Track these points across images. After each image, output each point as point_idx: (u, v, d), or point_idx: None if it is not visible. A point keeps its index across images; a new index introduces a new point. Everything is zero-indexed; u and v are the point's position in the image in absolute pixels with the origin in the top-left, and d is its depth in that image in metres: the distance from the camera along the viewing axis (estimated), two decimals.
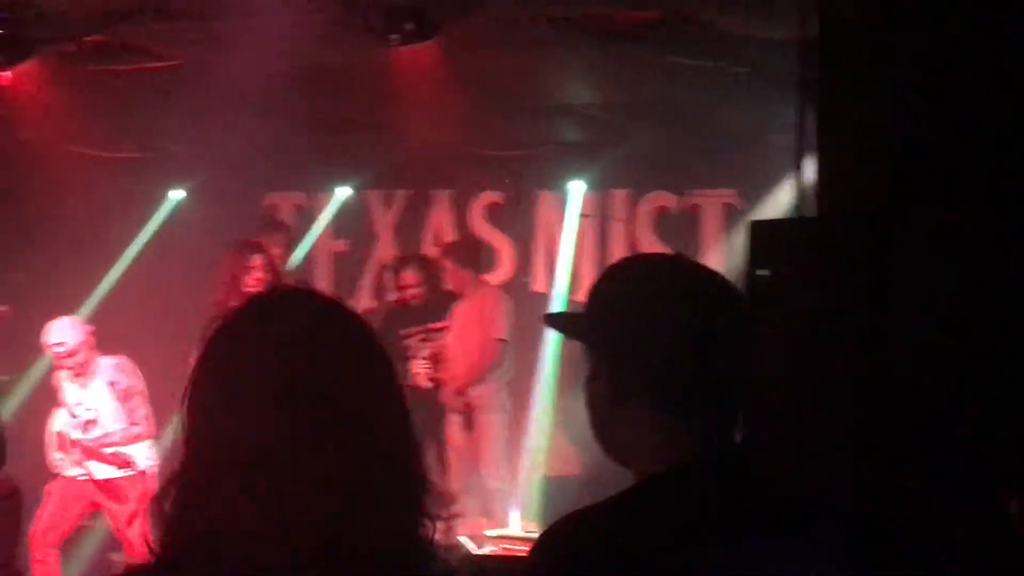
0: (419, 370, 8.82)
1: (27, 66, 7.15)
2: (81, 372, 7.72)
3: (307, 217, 10.50)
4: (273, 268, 7.73)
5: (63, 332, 7.65)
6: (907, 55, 5.39)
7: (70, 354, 7.65)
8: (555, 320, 2.26)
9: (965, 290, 4.86)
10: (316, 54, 7.15)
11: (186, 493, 1.62)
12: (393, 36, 6.39)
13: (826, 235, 5.48)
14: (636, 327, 1.99)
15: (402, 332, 8.91)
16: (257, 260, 7.62)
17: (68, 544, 7.87)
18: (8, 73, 7.12)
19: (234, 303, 6.80)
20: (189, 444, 1.65)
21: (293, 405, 1.62)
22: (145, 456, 7.79)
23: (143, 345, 8.24)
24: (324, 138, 9.41)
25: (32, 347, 8.08)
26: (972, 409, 3.29)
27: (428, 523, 1.69)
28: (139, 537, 7.44)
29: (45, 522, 7.65)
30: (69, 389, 7.81)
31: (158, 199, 10.34)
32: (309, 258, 10.49)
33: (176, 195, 10.38)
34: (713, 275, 2.09)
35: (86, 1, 6.60)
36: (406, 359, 8.84)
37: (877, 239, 5.47)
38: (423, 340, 8.91)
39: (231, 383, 1.65)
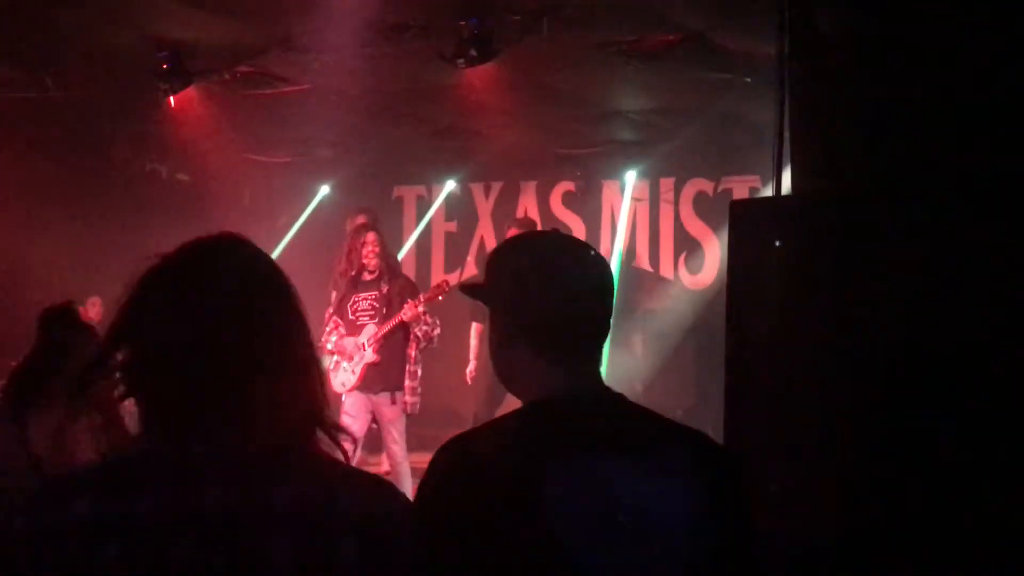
0: None
1: (187, 92, 7.53)
2: None
3: (425, 205, 10.98)
4: (383, 244, 7.86)
5: None
6: (867, 62, 5.62)
7: None
8: (463, 287, 2.14)
9: (919, 271, 4.89)
10: (411, 76, 7.44)
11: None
12: (460, 61, 6.54)
13: (792, 213, 5.74)
14: (516, 287, 1.97)
15: None
16: (370, 236, 7.64)
17: None
18: (171, 98, 7.52)
19: (353, 272, 7.13)
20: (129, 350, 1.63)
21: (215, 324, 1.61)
22: None
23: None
24: (433, 141, 9.66)
25: None
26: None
27: (317, 435, 1.66)
28: None
29: None
30: None
31: (309, 193, 10.86)
32: (426, 236, 10.96)
33: (323, 190, 10.95)
34: (584, 246, 2.06)
35: (229, 39, 6.95)
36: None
37: (837, 216, 5.67)
38: None
39: (169, 308, 1.63)
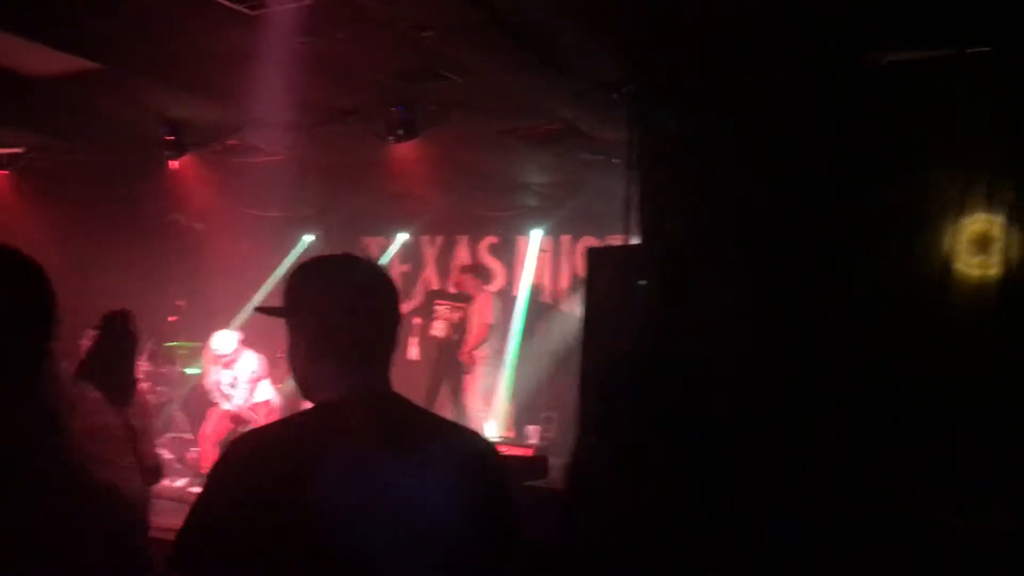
0: (439, 327, 8.92)
1: (185, 159, 7.38)
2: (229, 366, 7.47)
3: (384, 250, 10.79)
4: None
5: (226, 343, 7.42)
6: (697, 149, 5.53)
7: (229, 362, 7.44)
8: (263, 309, 1.89)
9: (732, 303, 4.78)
10: (356, 149, 7.26)
11: None
12: (390, 138, 6.45)
13: (634, 257, 5.61)
14: (310, 311, 1.77)
15: (436, 302, 9.10)
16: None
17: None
18: (175, 163, 7.34)
19: None
20: None
21: None
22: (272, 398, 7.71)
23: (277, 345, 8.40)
24: (387, 203, 9.43)
25: (199, 329, 8.31)
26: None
27: None
28: None
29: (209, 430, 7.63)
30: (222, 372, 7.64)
31: (295, 241, 10.58)
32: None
33: (307, 238, 10.76)
34: (372, 267, 1.84)
35: (215, 117, 6.81)
36: (432, 319, 8.95)
37: (663, 258, 5.55)
38: (448, 310, 8.97)
39: None
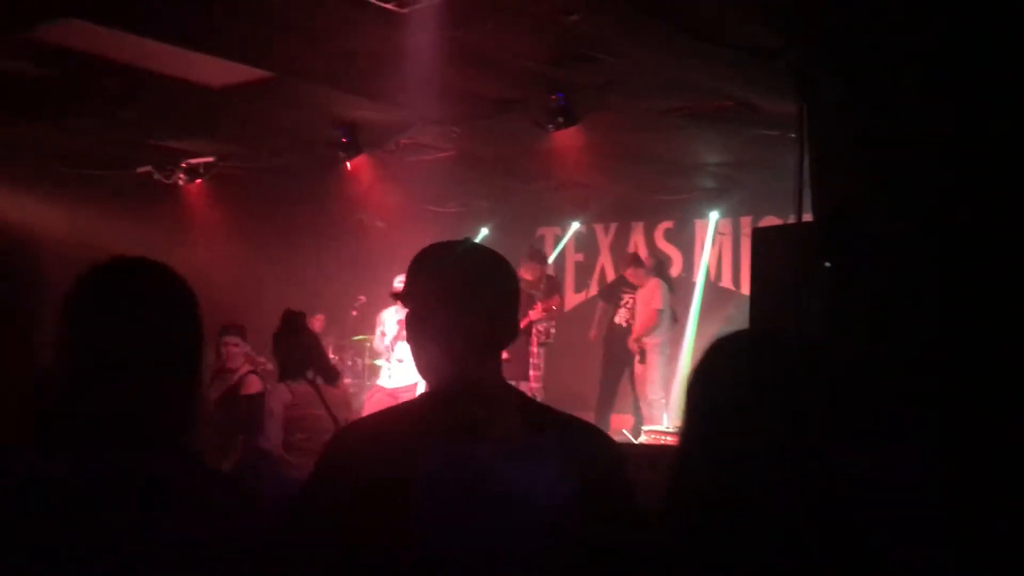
0: (621, 315, 8.80)
1: (360, 159, 7.64)
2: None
3: (559, 240, 10.81)
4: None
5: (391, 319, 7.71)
6: (861, 120, 5.21)
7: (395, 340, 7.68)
8: (395, 294, 1.90)
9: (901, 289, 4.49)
10: (523, 141, 7.25)
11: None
12: (550, 126, 6.45)
13: (804, 237, 5.32)
14: (424, 298, 1.73)
15: (622, 289, 8.91)
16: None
17: None
18: (351, 164, 7.62)
19: None
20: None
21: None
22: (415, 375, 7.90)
23: None
24: (560, 192, 9.52)
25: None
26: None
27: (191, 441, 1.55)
28: None
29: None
30: (388, 318, 7.80)
31: (472, 234, 10.66)
32: (560, 265, 10.73)
33: (484, 231, 10.97)
34: (476, 252, 1.78)
35: (386, 117, 7.01)
36: (619, 305, 8.84)
37: (832, 239, 5.23)
38: (631, 297, 8.81)
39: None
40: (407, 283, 1.76)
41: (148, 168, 8.75)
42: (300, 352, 5.10)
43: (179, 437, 1.53)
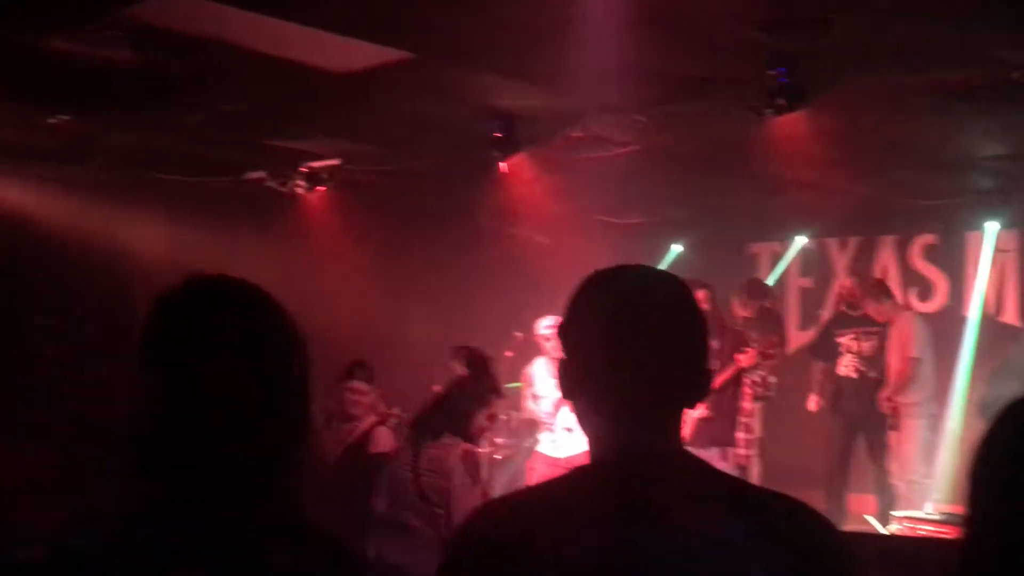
0: (847, 364, 8.55)
1: (518, 159, 7.65)
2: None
3: (777, 259, 10.56)
4: (714, 299, 7.58)
5: (555, 321, 7.75)
6: None
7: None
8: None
9: None
10: (731, 131, 7.11)
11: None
12: (768, 110, 6.26)
13: None
14: (572, 334, 1.74)
15: (838, 333, 8.68)
16: (701, 293, 7.66)
17: None
18: (506, 164, 7.64)
19: None
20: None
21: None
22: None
23: None
24: (782, 196, 9.26)
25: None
26: None
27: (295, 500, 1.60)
28: None
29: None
30: (540, 375, 8.01)
31: (661, 253, 10.76)
32: (779, 292, 10.44)
33: (675, 249, 10.79)
34: (650, 281, 1.76)
35: (551, 106, 6.99)
36: (838, 355, 8.58)
37: None
38: (854, 340, 8.59)
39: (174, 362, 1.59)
40: (563, 323, 1.77)
41: (261, 174, 9.05)
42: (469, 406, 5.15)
43: (281, 500, 1.59)
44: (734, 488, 1.70)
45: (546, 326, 7.99)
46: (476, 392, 5.22)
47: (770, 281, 10.32)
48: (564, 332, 1.76)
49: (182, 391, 1.57)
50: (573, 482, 1.72)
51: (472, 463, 5.14)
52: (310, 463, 1.70)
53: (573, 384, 1.73)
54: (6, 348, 8.24)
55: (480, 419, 5.14)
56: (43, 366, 8.53)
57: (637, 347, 1.68)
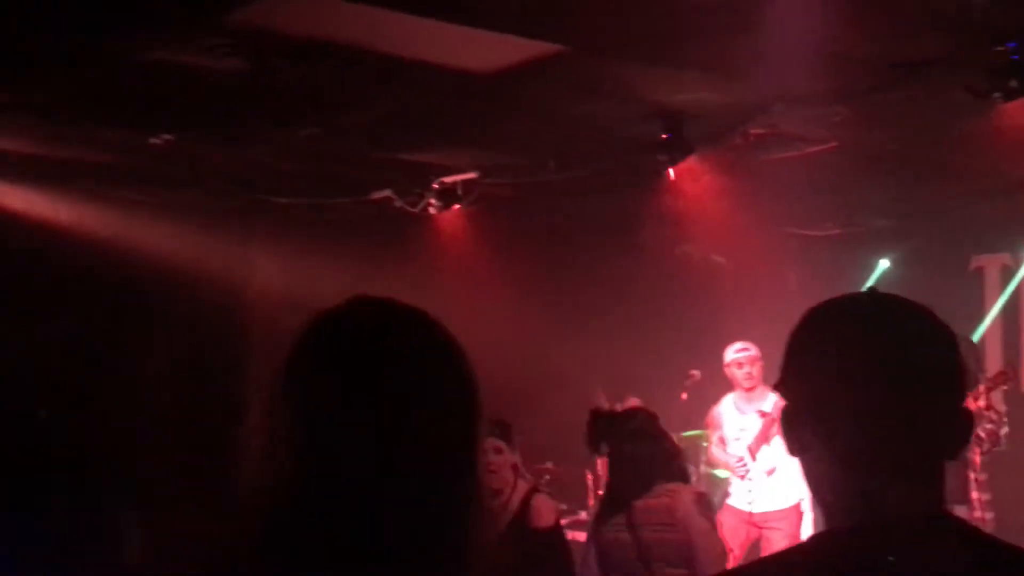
0: None
1: (688, 163, 7.67)
2: (752, 386, 7.96)
3: (1010, 274, 10.27)
4: None
5: (747, 345, 8.03)
6: None
7: (752, 360, 7.97)
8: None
9: None
10: (948, 119, 7.09)
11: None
12: (996, 94, 6.24)
13: None
14: (800, 370, 1.75)
15: None
16: None
17: None
18: (672, 170, 7.68)
19: None
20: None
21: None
22: (800, 490, 7.78)
23: None
24: (1015, 197, 9.10)
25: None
26: None
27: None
28: None
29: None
30: (730, 415, 8.11)
31: (865, 269, 10.57)
32: (1013, 311, 10.28)
33: (882, 264, 10.63)
34: (910, 317, 1.73)
35: (727, 99, 7.03)
36: None
37: None
38: None
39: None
40: (788, 365, 1.77)
41: (386, 193, 9.27)
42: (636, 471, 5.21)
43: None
44: (995, 552, 1.67)
45: (737, 350, 8.06)
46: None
47: (999, 301, 10.08)
48: (790, 375, 1.76)
49: (340, 436, 1.53)
50: (815, 553, 1.70)
51: (707, 505, 5.26)
52: (487, 531, 1.66)
53: (804, 436, 1.72)
54: (114, 393, 8.63)
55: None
56: (150, 412, 8.89)
57: (892, 389, 1.66)
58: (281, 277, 9.68)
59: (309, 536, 1.50)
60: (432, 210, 9.25)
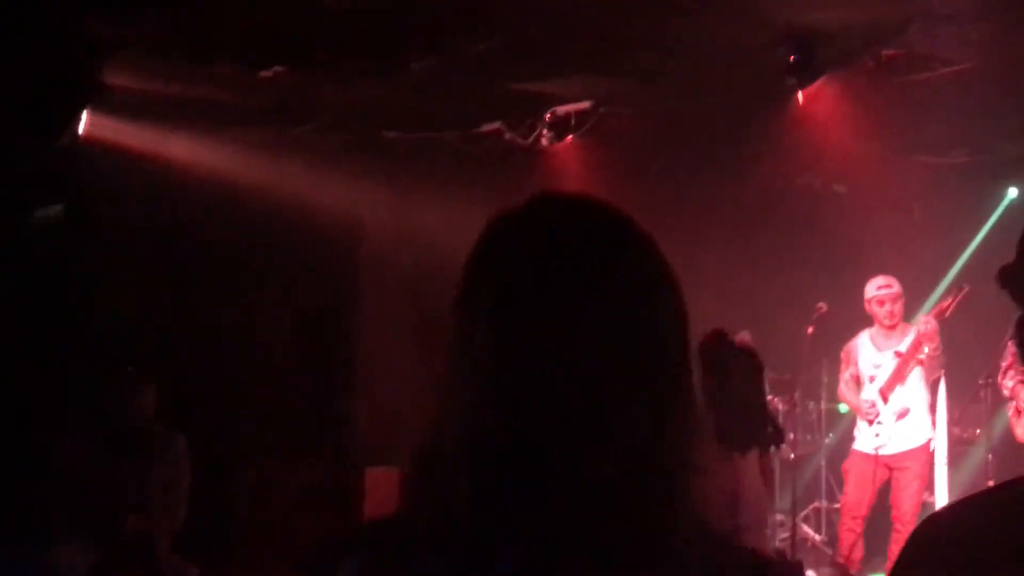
0: None
1: (818, 87, 7.41)
2: (893, 324, 7.71)
3: None
4: None
5: (890, 280, 7.76)
6: None
7: (894, 298, 7.70)
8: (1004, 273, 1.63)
9: None
10: None
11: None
12: None
13: None
14: None
15: None
16: None
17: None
18: (801, 94, 7.39)
19: None
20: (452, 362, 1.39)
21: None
22: (928, 429, 7.68)
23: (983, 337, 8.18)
24: None
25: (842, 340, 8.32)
26: None
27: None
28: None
29: (850, 496, 7.82)
30: (866, 351, 7.84)
31: (993, 198, 10.19)
32: None
33: (1011, 193, 10.20)
34: None
35: (862, 18, 6.79)
36: None
37: None
38: None
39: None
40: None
41: (497, 125, 9.10)
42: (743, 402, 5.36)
43: (686, 510, 1.37)
44: None
45: (879, 287, 7.79)
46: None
47: None
48: None
49: (534, 358, 1.33)
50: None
51: (768, 468, 5.47)
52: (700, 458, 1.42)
53: None
54: (231, 336, 8.57)
55: None
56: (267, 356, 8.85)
57: None
58: (391, 213, 9.54)
59: (506, 468, 1.32)
60: (544, 142, 9.06)
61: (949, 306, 7.72)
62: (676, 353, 1.41)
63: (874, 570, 7.80)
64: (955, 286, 8.29)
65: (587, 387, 1.33)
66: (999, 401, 7.91)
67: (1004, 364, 7.43)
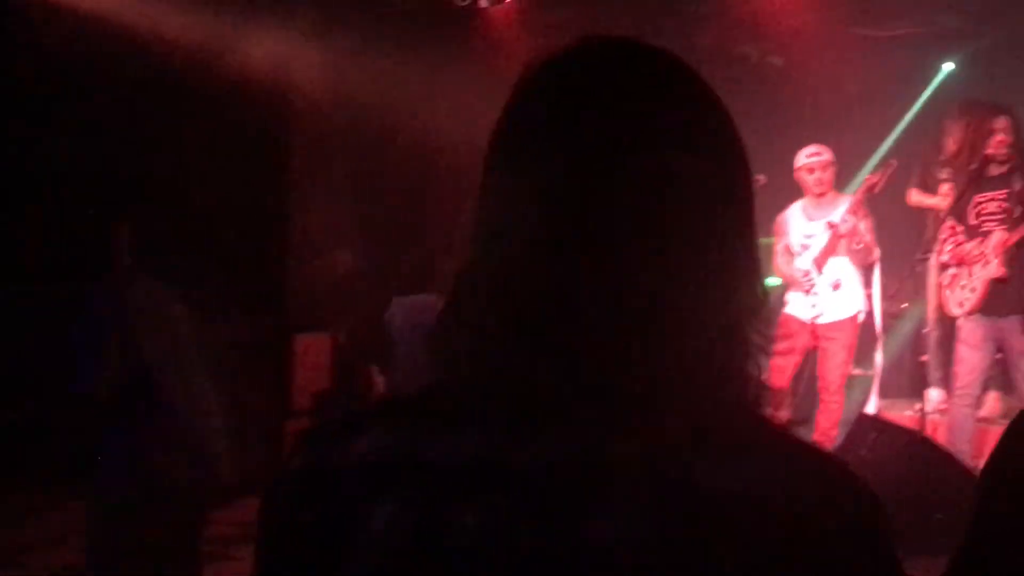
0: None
1: None
2: (822, 192, 7.51)
3: None
4: (1018, 130, 7.08)
5: (820, 148, 7.55)
6: None
7: (824, 165, 7.49)
8: None
9: None
10: None
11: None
12: None
13: None
14: None
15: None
16: (1000, 122, 7.06)
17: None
18: None
19: (974, 166, 6.78)
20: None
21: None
22: (859, 302, 7.59)
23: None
24: None
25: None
26: None
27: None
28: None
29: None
30: (797, 222, 7.68)
31: (929, 72, 10.05)
32: None
33: (946, 67, 10.08)
34: None
35: None
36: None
37: None
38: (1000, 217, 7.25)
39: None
40: None
41: None
42: None
43: (743, 390, 1.19)
44: None
45: (809, 155, 7.59)
46: None
47: None
48: None
49: (582, 206, 1.15)
50: None
51: None
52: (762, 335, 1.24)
53: None
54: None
55: None
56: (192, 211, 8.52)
57: None
58: (325, 78, 9.18)
59: (548, 329, 1.14)
60: (481, 4, 8.78)
61: (878, 182, 7.58)
62: (745, 210, 1.22)
63: None
64: (884, 162, 8.18)
65: (647, 245, 1.15)
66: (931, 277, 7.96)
67: (942, 237, 7.35)
